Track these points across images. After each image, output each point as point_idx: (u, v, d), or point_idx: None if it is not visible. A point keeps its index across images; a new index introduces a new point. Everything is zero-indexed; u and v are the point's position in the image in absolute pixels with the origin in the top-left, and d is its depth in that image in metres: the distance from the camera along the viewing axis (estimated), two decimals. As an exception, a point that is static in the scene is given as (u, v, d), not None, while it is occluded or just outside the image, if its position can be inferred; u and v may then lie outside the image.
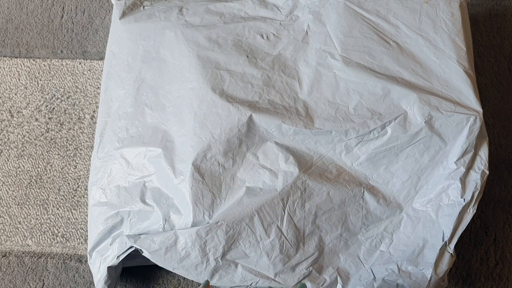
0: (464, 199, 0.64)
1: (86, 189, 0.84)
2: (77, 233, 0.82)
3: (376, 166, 0.66)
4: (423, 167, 0.66)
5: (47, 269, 0.79)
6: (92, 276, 0.78)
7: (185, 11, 0.78)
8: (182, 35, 0.75)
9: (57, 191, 0.84)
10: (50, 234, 0.82)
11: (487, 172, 0.64)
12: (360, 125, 0.66)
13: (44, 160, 0.86)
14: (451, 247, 0.65)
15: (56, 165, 0.86)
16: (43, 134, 0.88)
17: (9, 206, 0.84)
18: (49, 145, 0.87)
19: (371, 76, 0.68)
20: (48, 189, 0.85)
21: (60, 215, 0.83)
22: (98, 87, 0.90)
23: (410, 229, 0.66)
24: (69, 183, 0.85)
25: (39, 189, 0.85)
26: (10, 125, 0.89)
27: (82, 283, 0.78)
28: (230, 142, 0.66)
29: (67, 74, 0.92)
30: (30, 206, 0.84)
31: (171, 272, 0.77)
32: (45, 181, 0.85)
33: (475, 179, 0.64)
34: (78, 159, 0.86)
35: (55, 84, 0.91)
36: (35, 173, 0.86)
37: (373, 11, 0.73)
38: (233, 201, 0.65)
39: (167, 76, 0.73)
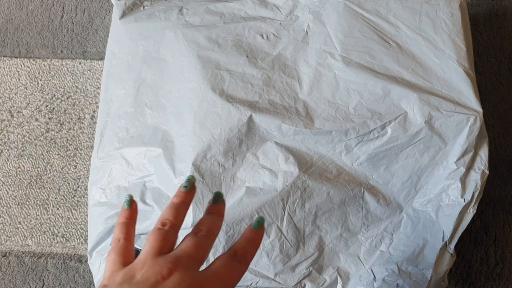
0: (464, 199, 0.64)
1: (86, 189, 0.84)
2: (77, 233, 0.82)
3: (376, 166, 0.66)
4: (423, 167, 0.66)
5: (47, 269, 0.79)
6: (92, 276, 0.78)
7: (185, 11, 0.78)
8: (182, 35, 0.75)
9: (57, 191, 0.84)
10: (50, 234, 0.82)
11: (487, 172, 0.64)
12: (360, 125, 0.65)
13: (44, 160, 0.86)
14: (451, 247, 0.65)
15: (56, 165, 0.86)
16: (43, 134, 0.88)
17: (9, 206, 0.84)
18: (49, 145, 0.87)
19: (371, 76, 0.68)
20: (48, 189, 0.85)
21: (60, 215, 0.83)
22: (98, 87, 0.90)
23: (410, 229, 0.66)
24: (69, 183, 0.85)
25: (39, 189, 0.85)
26: (10, 125, 0.89)
27: (82, 283, 0.78)
28: (230, 142, 0.66)
29: (67, 74, 0.92)
30: (30, 206, 0.84)
31: (171, 272, 0.77)
32: (45, 181, 0.85)
33: (475, 179, 0.64)
34: (78, 159, 0.86)
35: (55, 84, 0.91)
36: (35, 173, 0.86)
37: (373, 11, 0.73)
38: (233, 201, 0.65)
39: (167, 76, 0.73)
